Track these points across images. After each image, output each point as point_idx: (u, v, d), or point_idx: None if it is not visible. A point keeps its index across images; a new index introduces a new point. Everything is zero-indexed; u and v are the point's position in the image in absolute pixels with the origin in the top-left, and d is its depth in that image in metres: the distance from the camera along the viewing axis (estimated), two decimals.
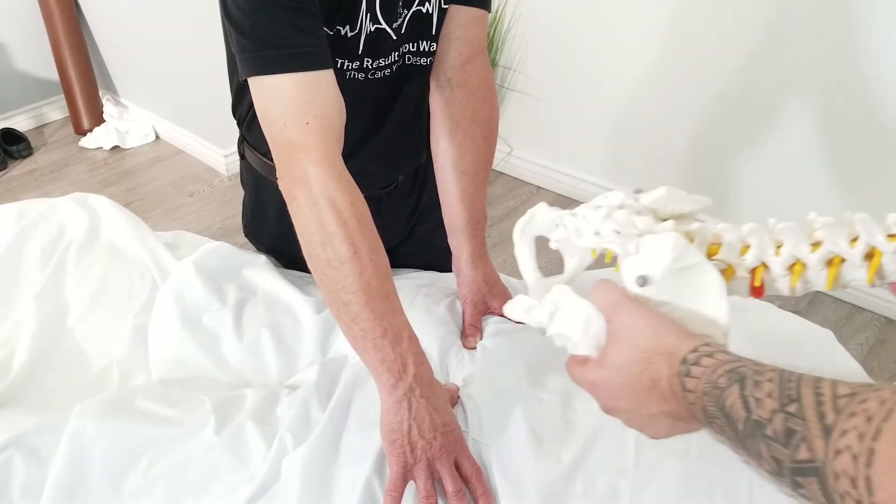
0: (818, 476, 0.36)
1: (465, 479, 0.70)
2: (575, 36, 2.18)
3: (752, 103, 1.90)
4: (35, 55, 2.91)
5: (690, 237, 0.60)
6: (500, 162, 2.56)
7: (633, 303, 0.55)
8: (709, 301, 0.56)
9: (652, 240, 0.57)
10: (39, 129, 3.02)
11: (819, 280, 0.57)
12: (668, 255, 0.55)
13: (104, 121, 2.95)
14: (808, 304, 1.88)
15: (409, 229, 1.17)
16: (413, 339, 0.74)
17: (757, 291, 0.59)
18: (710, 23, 1.88)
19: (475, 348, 0.88)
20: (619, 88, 2.16)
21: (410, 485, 0.70)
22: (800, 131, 1.84)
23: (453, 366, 0.85)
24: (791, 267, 0.58)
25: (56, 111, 3.07)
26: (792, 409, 0.38)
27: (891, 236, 0.56)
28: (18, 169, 2.75)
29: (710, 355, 0.47)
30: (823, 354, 0.86)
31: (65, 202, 1.09)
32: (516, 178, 2.57)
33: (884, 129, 1.71)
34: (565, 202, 2.42)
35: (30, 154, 2.82)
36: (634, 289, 0.58)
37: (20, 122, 2.97)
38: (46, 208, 1.07)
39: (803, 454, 0.37)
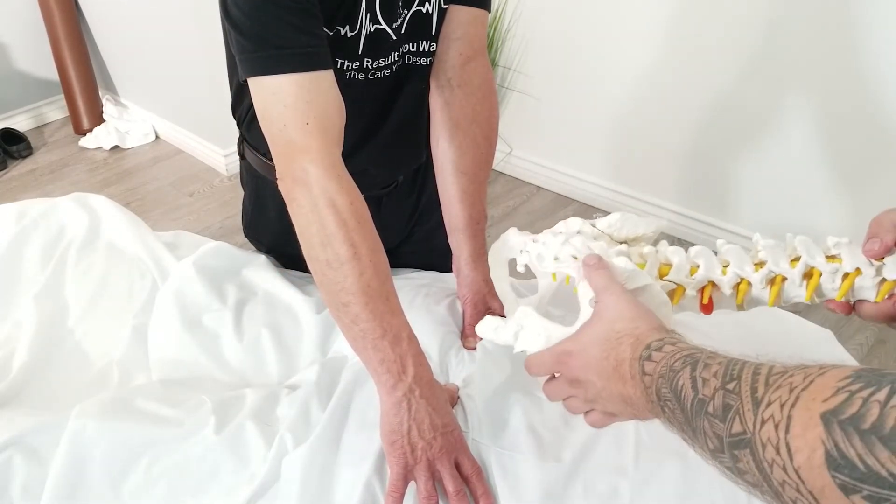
0: (750, 447, 0.38)
1: (465, 479, 0.70)
2: (575, 36, 2.18)
3: (752, 103, 1.90)
4: (35, 55, 2.91)
5: (643, 259, 0.64)
6: (500, 162, 2.56)
7: (620, 288, 0.58)
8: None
9: None
10: (39, 129, 3.02)
11: (763, 297, 0.62)
12: (618, 278, 0.60)
13: (104, 121, 2.95)
14: (809, 304, 1.88)
15: (410, 229, 1.17)
16: (412, 339, 0.74)
17: (706, 308, 0.64)
18: (710, 23, 1.88)
19: (475, 349, 0.88)
20: (619, 88, 2.16)
21: (411, 485, 0.70)
22: (800, 131, 1.85)
23: (453, 366, 0.85)
24: (737, 285, 0.63)
25: (56, 111, 3.07)
26: (731, 386, 0.40)
27: (829, 258, 0.60)
28: (18, 169, 2.75)
29: (672, 343, 0.49)
30: (823, 354, 0.86)
31: (65, 202, 1.09)
32: (516, 178, 2.57)
33: (884, 130, 1.71)
34: (565, 202, 2.42)
35: (30, 154, 2.82)
36: (589, 309, 0.63)
37: (20, 122, 2.97)
38: (46, 208, 1.07)
39: (737, 427, 0.39)
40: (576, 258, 0.65)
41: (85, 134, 2.92)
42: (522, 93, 2.40)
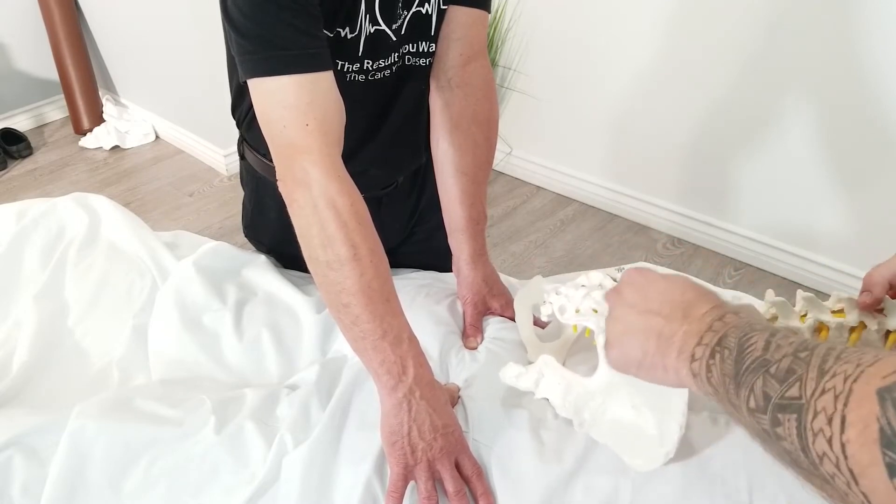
0: (799, 413, 0.37)
1: (465, 479, 0.70)
2: (575, 36, 2.18)
3: (752, 104, 1.90)
4: (35, 55, 2.91)
5: None
6: (500, 162, 2.56)
7: None
8: None
9: None
10: (39, 129, 3.02)
11: None
12: None
13: (104, 121, 2.95)
14: None
15: (410, 230, 1.17)
16: (413, 340, 0.74)
17: None
18: (711, 23, 1.88)
19: (476, 348, 0.88)
20: (619, 88, 2.16)
21: (411, 485, 0.70)
22: (800, 131, 1.85)
23: (454, 366, 0.85)
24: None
25: (56, 111, 3.07)
26: (802, 354, 0.40)
27: (835, 312, 0.63)
28: (18, 169, 2.75)
29: (756, 318, 0.50)
30: None
31: (65, 202, 1.09)
32: (516, 178, 2.57)
33: (884, 130, 1.71)
34: (565, 202, 2.42)
35: (30, 154, 2.83)
36: (606, 362, 0.64)
37: (20, 122, 2.97)
38: (46, 208, 1.07)
39: (794, 392, 0.38)
40: (596, 311, 0.67)
41: (85, 134, 2.92)
42: (522, 93, 2.40)
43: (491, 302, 0.95)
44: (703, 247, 2.19)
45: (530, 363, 0.82)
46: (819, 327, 0.63)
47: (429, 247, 1.14)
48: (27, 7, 2.82)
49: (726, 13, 1.84)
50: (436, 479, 0.70)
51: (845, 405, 0.35)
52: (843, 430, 0.34)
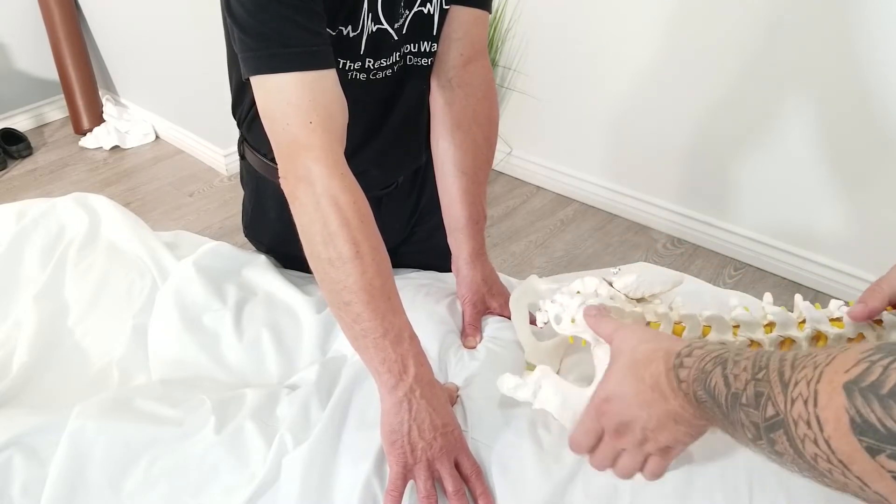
0: (783, 427, 0.39)
1: (464, 479, 0.70)
2: (575, 36, 2.18)
3: (752, 104, 1.90)
4: (35, 55, 2.91)
5: (657, 319, 0.67)
6: (500, 162, 2.56)
7: (631, 324, 0.61)
8: None
9: None
10: (39, 129, 3.02)
11: None
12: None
13: (104, 121, 2.95)
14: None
15: (409, 229, 1.17)
16: (414, 339, 0.74)
17: None
18: (711, 23, 1.88)
19: (475, 347, 0.88)
20: (619, 88, 2.16)
21: (410, 483, 0.70)
22: (800, 131, 1.85)
23: (452, 365, 0.85)
24: (747, 347, 0.64)
25: (56, 111, 3.07)
26: (760, 375, 0.42)
27: (833, 321, 0.63)
28: (18, 169, 2.75)
29: (700, 347, 0.51)
30: None
31: (65, 202, 1.09)
32: (516, 178, 2.57)
33: (884, 130, 1.71)
34: (565, 202, 2.42)
35: (30, 154, 2.82)
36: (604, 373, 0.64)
37: (20, 122, 2.97)
38: (46, 208, 1.07)
39: (770, 411, 0.41)
40: None
41: (85, 134, 2.92)
42: (522, 93, 2.40)
43: (490, 301, 0.95)
44: (703, 247, 2.19)
45: (528, 363, 0.82)
46: (817, 336, 0.63)
47: (429, 246, 1.14)
48: (27, 7, 2.82)
49: (726, 13, 1.84)
50: (435, 479, 0.70)
51: (815, 405, 0.37)
52: (821, 429, 0.37)
